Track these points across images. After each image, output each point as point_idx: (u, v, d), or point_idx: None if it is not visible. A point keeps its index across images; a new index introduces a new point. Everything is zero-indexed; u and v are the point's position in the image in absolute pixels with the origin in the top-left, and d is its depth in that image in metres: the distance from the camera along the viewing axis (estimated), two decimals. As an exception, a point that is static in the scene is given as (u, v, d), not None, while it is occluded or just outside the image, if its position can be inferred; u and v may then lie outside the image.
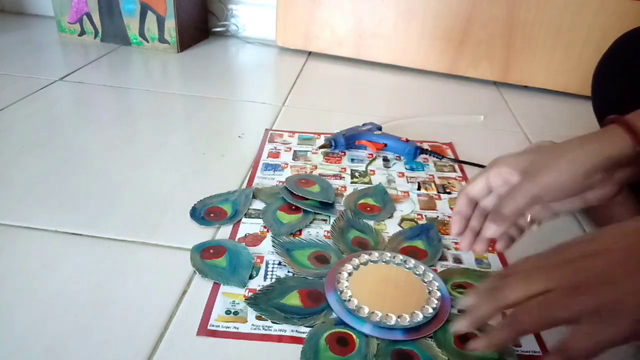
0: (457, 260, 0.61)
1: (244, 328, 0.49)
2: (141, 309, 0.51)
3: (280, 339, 0.48)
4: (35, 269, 0.55)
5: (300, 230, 0.64)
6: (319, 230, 0.64)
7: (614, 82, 0.62)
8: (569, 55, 1.17)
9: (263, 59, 1.39)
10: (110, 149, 0.82)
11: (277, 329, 0.49)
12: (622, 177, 0.44)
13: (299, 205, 0.67)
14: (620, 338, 0.30)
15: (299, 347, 0.48)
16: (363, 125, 0.90)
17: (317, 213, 0.67)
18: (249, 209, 0.67)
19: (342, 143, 0.84)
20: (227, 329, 0.49)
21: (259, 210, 0.68)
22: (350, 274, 0.56)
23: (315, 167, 0.80)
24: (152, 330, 0.48)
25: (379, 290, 0.54)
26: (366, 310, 0.51)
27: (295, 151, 0.85)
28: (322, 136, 0.90)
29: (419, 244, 0.63)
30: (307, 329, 0.49)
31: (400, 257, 0.58)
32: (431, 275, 0.56)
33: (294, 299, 0.53)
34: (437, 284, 0.55)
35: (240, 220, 0.65)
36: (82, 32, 1.38)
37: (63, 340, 0.46)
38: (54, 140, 0.83)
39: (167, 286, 0.54)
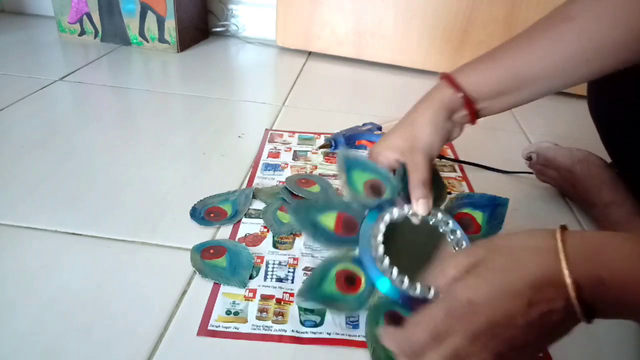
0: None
1: (244, 328, 0.49)
2: (141, 309, 0.51)
3: (280, 339, 0.48)
4: (36, 268, 0.55)
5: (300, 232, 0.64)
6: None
7: (609, 85, 0.62)
8: (569, 55, 1.17)
9: (263, 59, 1.39)
10: (110, 148, 0.82)
11: (277, 329, 0.49)
12: (462, 118, 0.55)
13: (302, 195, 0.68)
14: None
15: (299, 347, 0.48)
16: (363, 125, 0.90)
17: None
18: (249, 209, 0.67)
19: (342, 143, 0.85)
20: (227, 329, 0.49)
21: (259, 210, 0.68)
22: (391, 223, 0.52)
23: (315, 167, 0.80)
24: (152, 330, 0.48)
25: (412, 251, 0.53)
26: (395, 272, 0.47)
27: (295, 151, 0.85)
28: (322, 136, 0.90)
29: (478, 216, 0.58)
30: (308, 329, 0.49)
31: (450, 223, 0.53)
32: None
33: (329, 220, 0.52)
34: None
35: (241, 220, 0.65)
36: (82, 32, 1.38)
37: (63, 340, 0.46)
38: (54, 140, 0.83)
39: (167, 286, 0.54)
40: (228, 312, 0.51)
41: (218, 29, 1.52)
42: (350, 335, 0.49)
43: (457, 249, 0.52)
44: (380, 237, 0.50)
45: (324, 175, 0.77)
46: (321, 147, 0.85)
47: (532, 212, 0.74)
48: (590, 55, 0.48)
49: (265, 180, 0.75)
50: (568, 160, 0.73)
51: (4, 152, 0.79)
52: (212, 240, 0.61)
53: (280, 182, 0.75)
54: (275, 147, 0.86)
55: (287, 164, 0.80)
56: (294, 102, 1.08)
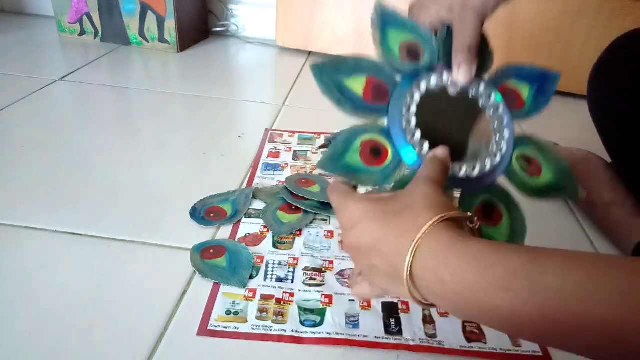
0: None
1: (244, 328, 0.49)
2: (141, 309, 0.51)
3: (280, 339, 0.48)
4: (35, 268, 0.55)
5: (300, 230, 0.64)
6: (319, 231, 0.64)
7: (609, 85, 0.63)
8: (569, 55, 1.17)
9: (263, 59, 1.39)
10: (110, 148, 0.82)
11: (277, 329, 0.49)
12: None
13: (298, 206, 0.67)
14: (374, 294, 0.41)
15: (299, 347, 0.48)
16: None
17: (317, 213, 0.67)
18: (249, 209, 0.67)
19: None
20: (227, 329, 0.49)
21: (259, 210, 0.68)
22: (427, 93, 0.45)
23: (315, 167, 0.80)
24: (152, 330, 0.48)
25: (446, 126, 0.47)
26: (426, 147, 0.43)
27: (295, 151, 0.85)
28: (322, 136, 0.91)
29: (525, 90, 0.50)
30: (308, 328, 0.49)
31: (493, 96, 0.47)
32: (507, 134, 0.46)
33: (358, 85, 0.45)
34: (504, 147, 0.46)
35: (241, 220, 0.65)
36: (82, 32, 1.38)
37: (63, 340, 0.46)
38: (54, 140, 0.83)
39: (167, 286, 0.54)
40: (228, 312, 0.51)
41: (218, 29, 1.52)
42: (350, 335, 0.49)
43: (496, 126, 0.46)
44: (413, 108, 0.44)
45: (324, 176, 0.77)
46: (321, 147, 0.85)
47: (532, 212, 0.74)
48: None
49: (265, 180, 0.75)
50: (568, 160, 0.73)
51: (4, 152, 0.79)
52: (212, 240, 0.61)
53: (280, 182, 0.75)
54: (275, 147, 0.86)
55: (287, 164, 0.80)
56: (294, 102, 1.08)
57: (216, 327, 0.49)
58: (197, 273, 0.55)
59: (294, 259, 0.59)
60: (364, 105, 0.45)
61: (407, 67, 0.46)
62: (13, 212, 0.64)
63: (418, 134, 0.43)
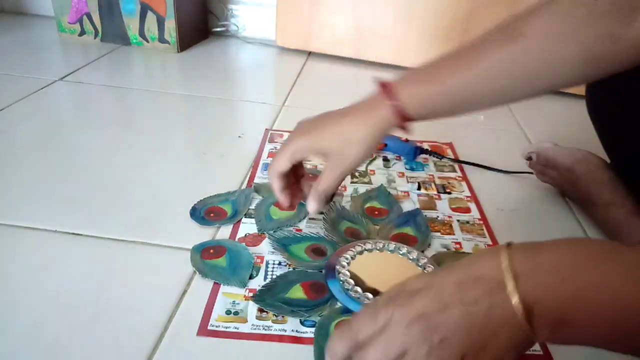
0: (446, 247, 0.63)
1: (244, 328, 0.49)
2: (141, 309, 0.51)
3: (280, 338, 0.48)
4: (36, 268, 0.55)
5: (300, 229, 0.64)
6: (319, 230, 0.64)
7: (608, 85, 0.63)
8: (569, 56, 1.17)
9: (263, 59, 1.39)
10: (110, 149, 0.82)
11: (277, 329, 0.49)
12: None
13: None
14: None
15: (299, 347, 0.48)
16: None
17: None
18: (249, 209, 0.67)
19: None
20: (227, 329, 0.49)
21: (259, 210, 0.68)
22: (348, 264, 0.57)
23: (315, 167, 0.80)
24: (153, 330, 0.48)
25: (378, 277, 0.55)
26: (370, 296, 0.52)
27: (295, 151, 0.85)
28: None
29: (409, 230, 0.65)
30: (308, 328, 0.49)
31: (393, 244, 0.60)
32: (424, 259, 0.58)
33: (297, 292, 0.53)
34: (431, 266, 0.57)
35: (240, 220, 0.65)
36: (82, 32, 1.38)
37: (63, 340, 0.46)
38: (54, 140, 0.83)
39: (167, 286, 0.54)
40: (228, 312, 0.51)
41: (218, 29, 1.52)
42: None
43: (420, 266, 0.57)
44: (350, 280, 0.54)
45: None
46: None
47: (532, 212, 0.74)
48: (542, 74, 0.46)
49: (266, 180, 0.75)
50: (568, 160, 0.73)
51: (4, 152, 0.79)
52: (212, 240, 0.61)
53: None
54: (275, 147, 0.86)
55: (287, 164, 0.80)
56: (294, 102, 1.08)
57: (216, 327, 0.49)
58: (197, 273, 0.55)
59: (294, 259, 0.59)
60: (313, 303, 0.52)
61: (321, 262, 0.58)
62: (13, 212, 0.64)
63: (370, 296, 0.52)
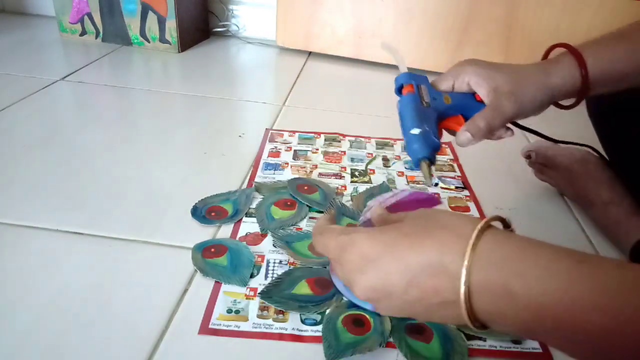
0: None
1: (245, 327, 0.49)
2: (142, 308, 0.51)
3: (281, 337, 0.49)
4: (37, 267, 0.55)
5: (299, 228, 0.64)
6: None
7: None
8: (569, 55, 1.18)
9: (263, 59, 1.39)
10: (111, 148, 0.83)
11: (278, 327, 0.50)
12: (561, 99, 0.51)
13: (301, 200, 0.69)
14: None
15: (300, 345, 0.48)
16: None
17: (313, 209, 0.68)
18: (249, 208, 0.68)
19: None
20: (229, 328, 0.49)
21: (259, 209, 0.68)
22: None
23: (316, 167, 0.80)
24: (154, 329, 0.48)
25: None
26: None
27: (295, 150, 0.85)
28: (322, 135, 0.91)
29: None
30: (308, 327, 0.50)
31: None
32: None
33: (304, 288, 0.54)
34: None
35: (241, 219, 0.66)
36: (83, 32, 1.38)
37: (64, 339, 0.47)
38: (56, 140, 0.84)
39: (169, 285, 0.54)
40: (229, 311, 0.51)
41: (219, 29, 1.53)
42: (350, 334, 0.50)
43: None
44: None
45: (323, 175, 0.78)
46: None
47: (531, 211, 0.74)
48: None
49: (266, 179, 0.76)
50: (567, 159, 0.73)
51: (6, 151, 0.79)
52: (213, 239, 0.62)
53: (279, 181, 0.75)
54: (275, 147, 0.86)
55: (288, 163, 0.81)
56: (294, 102, 1.08)
57: (217, 325, 0.49)
58: (198, 272, 0.56)
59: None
60: (319, 298, 0.53)
61: (323, 259, 0.57)
62: (14, 211, 0.64)
63: None
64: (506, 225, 0.34)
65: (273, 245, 0.61)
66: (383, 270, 0.33)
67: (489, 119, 0.48)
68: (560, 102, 0.52)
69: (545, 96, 0.48)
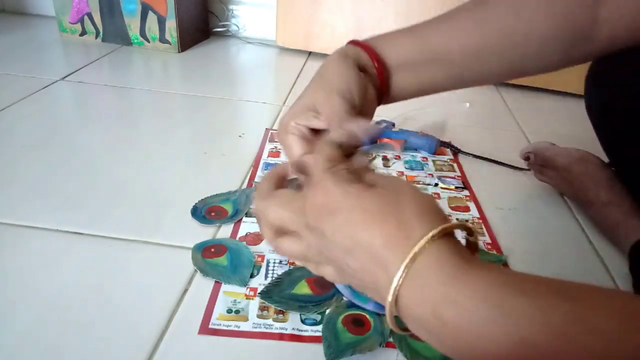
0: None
1: (245, 327, 0.50)
2: (142, 308, 0.51)
3: (281, 337, 0.49)
4: (37, 267, 0.55)
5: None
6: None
7: (606, 84, 0.63)
8: (569, 55, 1.18)
9: (263, 59, 1.39)
10: (111, 148, 0.83)
11: (278, 327, 0.50)
12: (373, 79, 0.46)
13: None
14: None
15: (299, 345, 0.48)
16: (377, 122, 0.91)
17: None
18: (249, 208, 0.68)
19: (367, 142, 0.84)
20: (228, 328, 0.49)
21: (259, 209, 0.68)
22: None
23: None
24: (154, 329, 0.49)
25: None
26: None
27: (295, 151, 0.85)
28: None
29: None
30: (308, 327, 0.50)
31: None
32: None
33: (304, 288, 0.54)
34: None
35: (241, 219, 0.66)
36: (83, 32, 1.38)
37: (64, 339, 0.47)
38: (56, 140, 0.84)
39: (169, 285, 0.54)
40: (229, 311, 0.51)
41: (219, 29, 1.53)
42: (350, 334, 0.50)
43: None
44: None
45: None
46: None
47: (531, 211, 0.75)
48: (508, 42, 0.44)
49: (266, 179, 0.76)
50: (566, 160, 0.73)
51: (6, 151, 0.79)
52: (213, 239, 0.62)
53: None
54: (275, 147, 0.86)
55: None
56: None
57: (217, 325, 0.49)
58: (198, 272, 0.56)
59: (295, 258, 0.60)
60: (319, 298, 0.53)
61: None
62: (14, 211, 0.64)
63: None
64: (470, 233, 0.32)
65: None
66: (335, 226, 0.31)
67: (333, 117, 0.42)
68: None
69: (354, 70, 0.43)
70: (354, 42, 0.47)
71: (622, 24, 0.43)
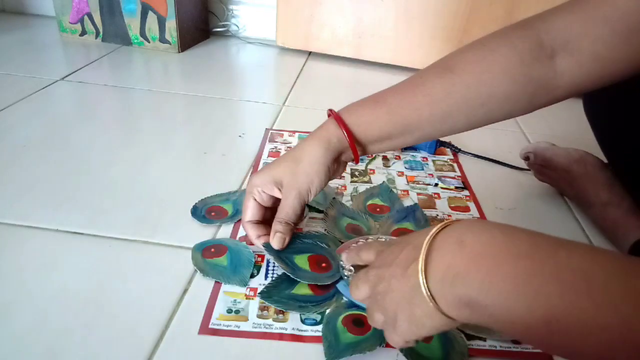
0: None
1: (245, 326, 0.50)
2: (142, 308, 0.51)
3: (281, 337, 0.49)
4: (37, 268, 0.55)
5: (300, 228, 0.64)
6: (319, 229, 0.65)
7: (604, 87, 0.63)
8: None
9: (263, 59, 1.39)
10: (111, 148, 0.83)
11: (278, 327, 0.50)
12: (347, 157, 0.56)
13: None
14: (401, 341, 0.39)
15: (299, 345, 0.48)
16: None
17: (314, 209, 0.68)
18: (249, 209, 0.68)
19: None
20: (228, 328, 0.49)
21: (259, 209, 0.68)
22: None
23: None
24: (153, 329, 0.49)
25: None
26: None
27: (295, 151, 0.85)
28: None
29: (408, 225, 0.66)
30: (308, 327, 0.50)
31: (395, 239, 0.58)
32: None
33: (304, 288, 0.54)
34: None
35: (241, 219, 0.66)
36: (83, 32, 1.38)
37: (64, 339, 0.47)
38: (55, 140, 0.84)
39: (168, 285, 0.54)
40: (229, 311, 0.51)
41: (219, 29, 1.53)
42: (350, 334, 0.50)
43: None
44: (349, 273, 0.54)
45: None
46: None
47: (531, 211, 0.75)
48: (474, 104, 0.49)
49: (266, 179, 0.76)
50: (565, 161, 0.73)
51: (5, 151, 0.79)
52: (213, 239, 0.62)
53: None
54: (275, 147, 0.86)
55: (288, 164, 0.81)
56: (294, 102, 1.09)
57: (217, 325, 0.49)
58: (198, 272, 0.56)
59: (294, 258, 0.60)
60: (319, 298, 0.53)
61: (328, 276, 0.56)
62: (14, 211, 0.64)
63: None
64: None
65: (266, 250, 0.58)
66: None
67: (286, 218, 0.54)
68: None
69: (323, 165, 0.53)
70: (336, 118, 0.53)
71: (583, 72, 0.47)
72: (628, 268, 0.28)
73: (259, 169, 0.79)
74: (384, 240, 0.60)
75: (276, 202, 0.57)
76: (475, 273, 0.31)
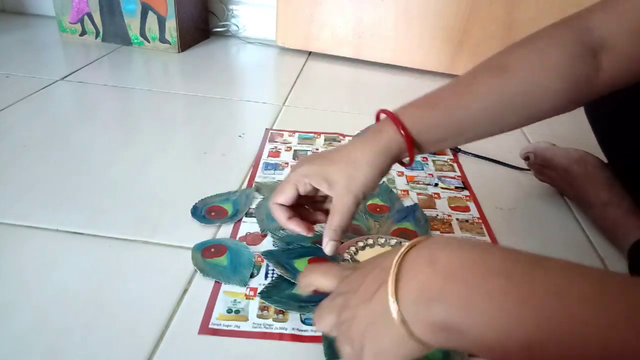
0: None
1: (245, 326, 0.50)
2: (142, 308, 0.51)
3: (281, 337, 0.49)
4: (37, 268, 0.55)
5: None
6: (319, 229, 0.65)
7: None
8: (569, 55, 1.18)
9: (263, 59, 1.39)
10: (111, 148, 0.83)
11: (278, 327, 0.50)
12: (400, 158, 0.53)
13: None
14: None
15: (299, 345, 0.48)
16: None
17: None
18: (249, 209, 0.68)
19: None
20: (228, 328, 0.49)
21: (259, 209, 0.68)
22: (351, 259, 0.57)
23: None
24: (153, 329, 0.49)
25: None
26: None
27: (295, 150, 0.85)
28: (322, 135, 0.91)
29: (408, 225, 0.66)
30: (308, 327, 0.50)
31: (395, 239, 0.60)
32: None
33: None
34: None
35: (241, 219, 0.66)
36: (83, 32, 1.38)
37: (64, 339, 0.47)
38: (55, 140, 0.84)
39: (168, 285, 0.54)
40: (229, 311, 0.51)
41: (219, 29, 1.53)
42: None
43: None
44: None
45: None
46: None
47: (531, 211, 0.74)
48: (527, 103, 0.50)
49: (266, 179, 0.76)
50: (565, 161, 0.73)
51: (6, 151, 0.79)
52: (213, 239, 0.62)
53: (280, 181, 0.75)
54: (275, 147, 0.86)
55: (288, 163, 0.81)
56: (294, 102, 1.09)
57: (217, 325, 0.49)
58: (198, 272, 0.56)
59: (294, 258, 0.60)
60: (320, 297, 0.50)
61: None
62: (14, 211, 0.64)
63: None
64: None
65: (270, 254, 0.59)
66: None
67: (340, 223, 0.51)
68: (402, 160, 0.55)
69: (380, 169, 0.51)
70: (394, 120, 0.51)
71: (621, 68, 0.48)
72: (605, 285, 0.27)
73: (258, 169, 0.78)
74: (384, 240, 0.60)
75: (313, 195, 0.54)
76: (450, 294, 0.30)
